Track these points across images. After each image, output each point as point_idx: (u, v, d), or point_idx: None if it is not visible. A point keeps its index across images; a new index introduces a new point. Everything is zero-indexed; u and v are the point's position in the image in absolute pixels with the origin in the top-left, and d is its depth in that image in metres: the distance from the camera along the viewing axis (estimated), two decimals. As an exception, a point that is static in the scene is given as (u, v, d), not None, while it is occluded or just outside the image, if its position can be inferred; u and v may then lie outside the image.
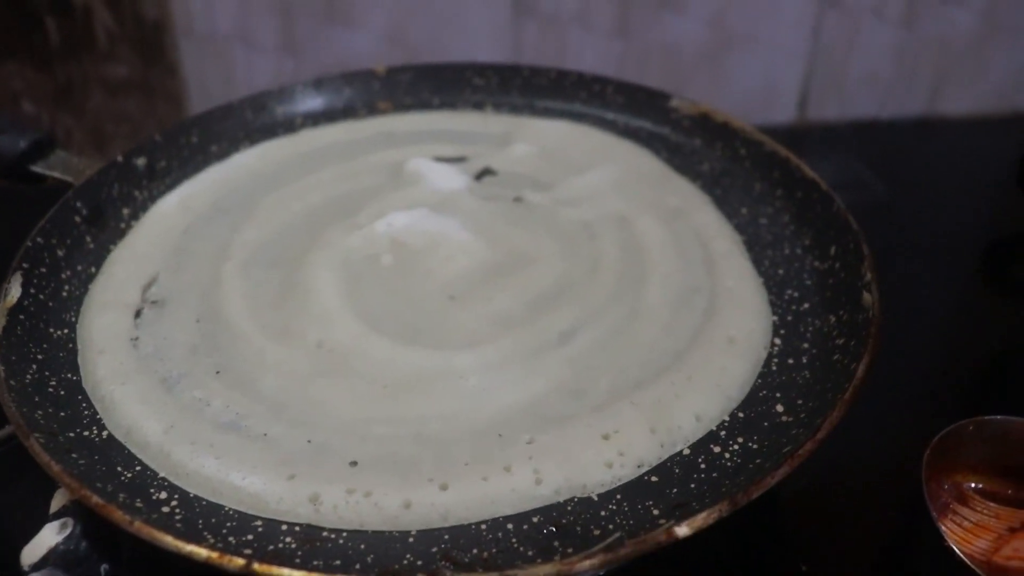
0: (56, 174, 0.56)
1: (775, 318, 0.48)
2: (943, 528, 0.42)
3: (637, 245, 0.52)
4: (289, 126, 0.65)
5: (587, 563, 0.34)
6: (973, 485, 0.48)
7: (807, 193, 0.55)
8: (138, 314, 0.49)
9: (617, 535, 0.36)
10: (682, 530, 0.35)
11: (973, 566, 0.40)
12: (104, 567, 0.43)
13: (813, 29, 0.91)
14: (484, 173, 0.59)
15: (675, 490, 0.39)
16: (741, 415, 0.43)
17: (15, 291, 0.48)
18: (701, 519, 0.35)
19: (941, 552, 0.41)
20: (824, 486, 0.50)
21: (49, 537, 0.42)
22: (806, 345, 0.47)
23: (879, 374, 0.43)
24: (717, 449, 0.41)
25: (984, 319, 0.67)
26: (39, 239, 0.51)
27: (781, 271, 0.51)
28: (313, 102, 0.66)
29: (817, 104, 0.95)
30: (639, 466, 0.40)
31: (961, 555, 0.40)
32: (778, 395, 0.44)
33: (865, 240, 0.49)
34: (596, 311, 0.47)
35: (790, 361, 0.46)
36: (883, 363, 0.43)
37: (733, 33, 0.90)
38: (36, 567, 0.41)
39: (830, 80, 0.94)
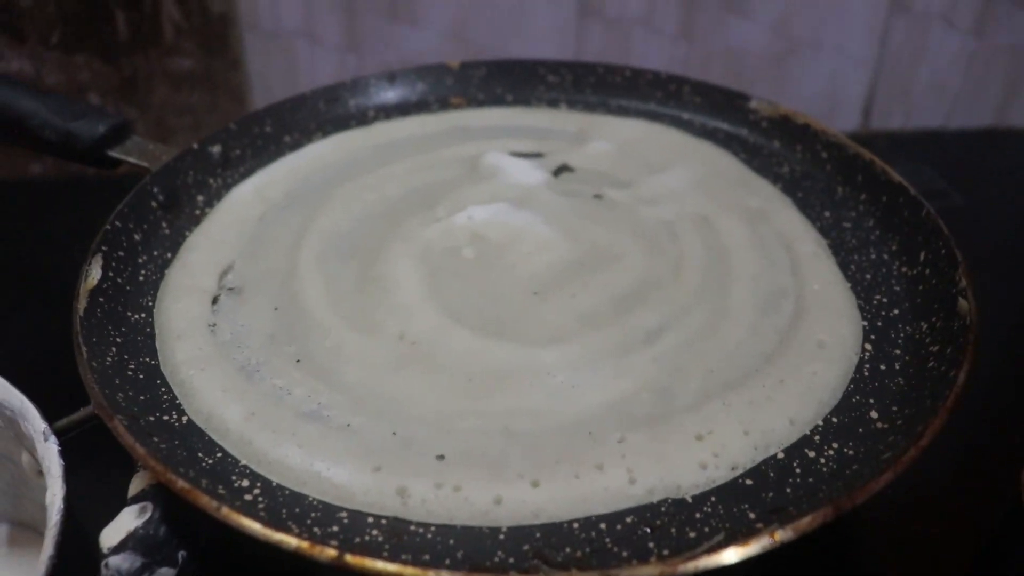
0: (133, 159, 0.56)
1: (865, 323, 0.47)
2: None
3: (720, 246, 0.51)
4: (362, 118, 0.65)
5: (690, 564, 0.33)
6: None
7: (893, 197, 0.54)
8: (215, 300, 0.49)
9: (718, 537, 0.35)
10: (786, 534, 0.34)
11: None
12: (182, 554, 0.42)
13: (880, 35, 0.89)
14: (562, 169, 0.58)
15: (771, 494, 0.38)
16: (835, 420, 0.42)
17: (95, 273, 0.48)
18: (805, 523, 0.34)
19: None
20: (910, 498, 0.49)
21: (128, 521, 0.42)
22: (898, 351, 0.45)
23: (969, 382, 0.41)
24: (812, 454, 0.40)
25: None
26: (117, 223, 0.51)
27: (868, 276, 0.50)
28: (386, 95, 0.66)
29: (882, 112, 0.93)
30: (733, 468, 0.39)
31: None
32: (872, 401, 0.43)
33: (957, 248, 0.48)
34: (681, 311, 0.46)
35: (882, 367, 0.44)
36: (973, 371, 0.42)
37: (798, 38, 0.89)
38: (115, 550, 0.41)
39: (896, 88, 0.92)
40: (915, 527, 0.48)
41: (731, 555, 0.33)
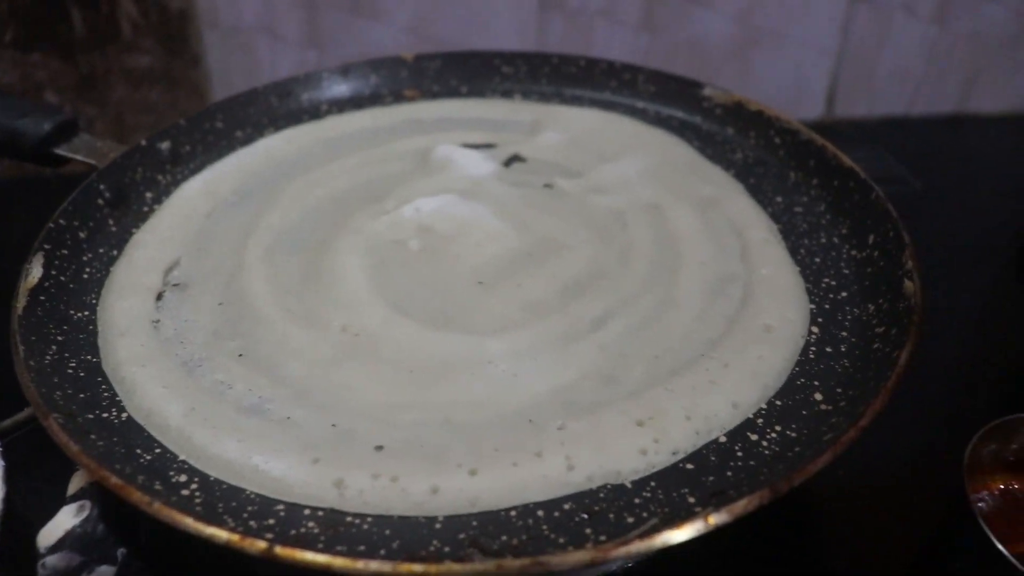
0: (80, 157, 0.56)
1: (812, 306, 0.47)
2: (986, 527, 0.40)
3: (670, 233, 0.50)
4: (315, 112, 0.64)
5: (622, 550, 0.33)
6: (1016, 485, 0.47)
7: (843, 182, 0.53)
8: (159, 297, 0.48)
9: (653, 522, 0.35)
10: (720, 517, 0.34)
11: (1021, 567, 0.38)
12: (121, 551, 0.42)
13: (843, 24, 0.89)
14: (513, 160, 0.58)
15: (711, 478, 0.38)
16: (779, 403, 0.42)
17: (36, 271, 0.47)
18: (740, 506, 0.34)
19: (986, 552, 0.39)
20: (857, 483, 0.49)
21: (66, 520, 0.41)
22: (844, 334, 0.45)
23: (915, 367, 0.41)
24: (754, 437, 0.40)
25: (1019, 315, 0.65)
26: (61, 220, 0.50)
27: (818, 259, 0.50)
28: (339, 89, 0.66)
29: (846, 101, 0.93)
30: (674, 453, 0.39)
31: (1010, 556, 0.39)
32: (816, 383, 0.43)
33: (905, 229, 0.48)
34: (628, 299, 0.46)
35: (828, 350, 0.44)
36: (919, 356, 0.42)
37: (761, 29, 0.89)
38: (52, 550, 0.40)
39: (860, 77, 0.92)
40: (866, 513, 0.48)
41: (664, 539, 0.33)
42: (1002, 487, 0.45)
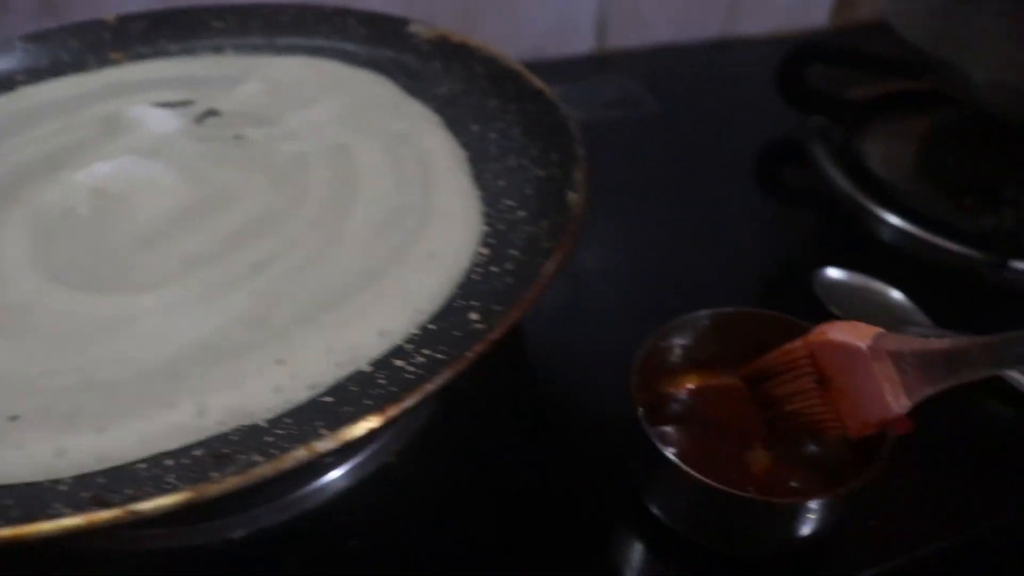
0: None
1: (487, 228, 0.47)
2: (653, 433, 0.41)
3: (351, 172, 0.50)
4: (8, 84, 0.61)
5: (213, 488, 0.32)
6: (691, 386, 0.48)
7: (535, 104, 0.53)
8: None
9: (253, 457, 0.34)
10: (326, 444, 0.33)
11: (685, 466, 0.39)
12: None
13: (604, -44, 0.90)
14: (208, 115, 0.56)
15: (350, 408, 0.37)
16: (432, 327, 0.41)
17: None
18: (346, 432, 0.33)
19: (661, 462, 0.40)
20: (542, 390, 0.50)
21: None
22: (515, 252, 0.45)
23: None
24: (400, 363, 0.39)
25: (757, 221, 0.68)
26: None
27: (502, 182, 0.50)
28: (33, 57, 0.62)
29: (616, 32, 0.93)
30: (312, 387, 0.38)
31: (673, 458, 0.39)
32: (475, 303, 0.42)
33: (582, 144, 0.48)
34: (293, 241, 0.45)
35: (494, 269, 0.44)
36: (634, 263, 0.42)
37: (522, -33, 0.88)
38: None
39: (626, 7, 0.93)
40: (552, 418, 0.49)
41: (263, 471, 0.32)
42: (673, 389, 0.47)
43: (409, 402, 0.35)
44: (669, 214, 0.68)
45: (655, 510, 0.43)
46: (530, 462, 0.46)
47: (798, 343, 0.41)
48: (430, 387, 0.35)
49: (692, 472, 0.39)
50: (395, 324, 0.41)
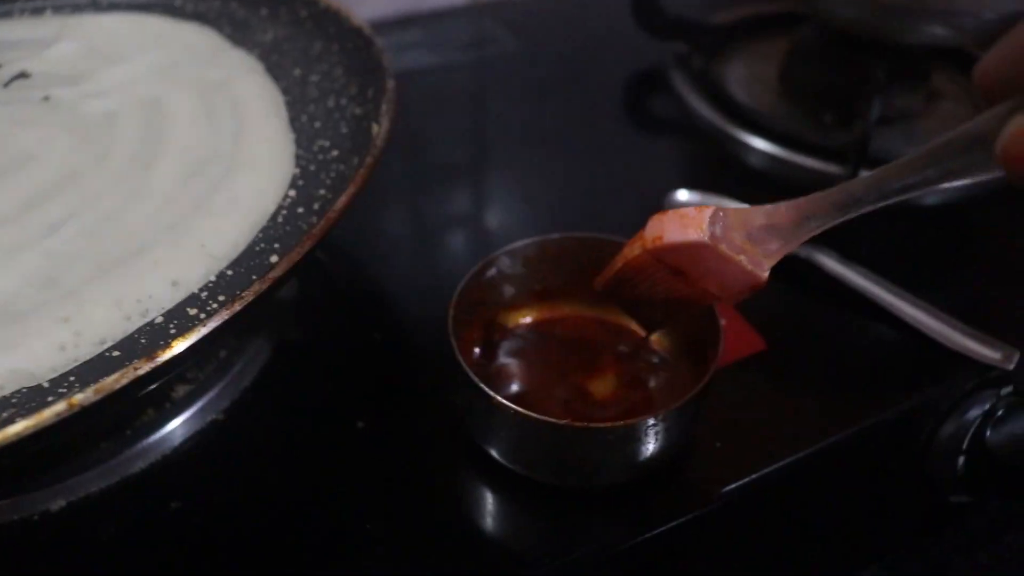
0: None
1: (297, 170, 0.45)
2: (472, 369, 0.40)
3: (160, 126, 0.48)
4: None
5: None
6: (530, 319, 0.47)
7: (355, 42, 0.52)
8: None
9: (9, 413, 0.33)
10: (87, 397, 0.31)
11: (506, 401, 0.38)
12: None
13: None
14: (17, 77, 0.54)
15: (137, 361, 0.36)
16: (230, 273, 0.40)
17: None
18: (107, 384, 0.32)
19: (481, 397, 0.39)
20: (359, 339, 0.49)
21: None
22: (323, 192, 0.44)
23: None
24: (194, 311, 0.38)
25: (621, 152, 0.67)
26: None
27: (319, 124, 0.48)
28: None
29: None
30: (101, 343, 0.37)
31: (496, 396, 0.38)
32: (276, 246, 0.41)
33: (392, 76, 0.47)
34: (93, 198, 0.43)
35: (300, 210, 0.43)
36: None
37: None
38: None
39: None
40: (373, 358, 0.48)
41: (18, 429, 0.31)
42: (512, 323, 0.46)
43: (179, 348, 0.33)
44: (529, 150, 0.67)
45: (490, 451, 0.42)
46: (364, 411, 0.45)
47: (637, 250, 0.37)
48: (203, 330, 0.34)
49: (508, 404, 0.38)
50: (190, 273, 0.39)
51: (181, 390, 0.45)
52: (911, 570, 0.56)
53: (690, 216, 0.36)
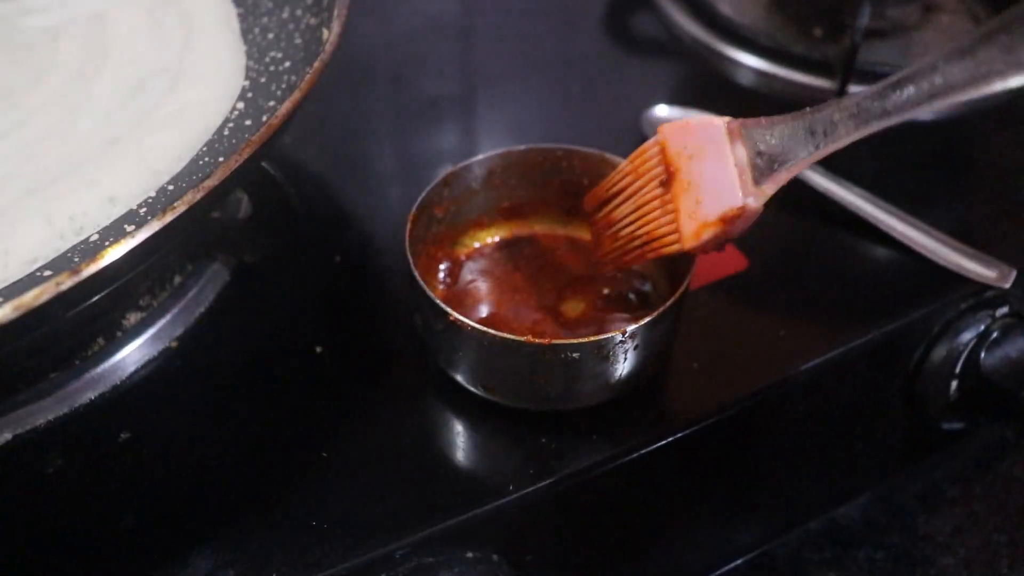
0: None
1: (247, 83, 0.42)
2: (428, 283, 0.37)
3: (104, 41, 0.45)
4: None
5: None
6: (499, 238, 0.45)
7: (312, -50, 0.48)
8: None
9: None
10: (3, 314, 0.29)
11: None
12: None
13: None
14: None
15: (67, 280, 0.34)
16: (171, 188, 0.37)
17: None
18: (29, 299, 0.29)
19: (433, 309, 0.37)
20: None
21: None
22: (273, 103, 0.41)
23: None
24: (131, 228, 0.36)
25: (606, 72, 0.64)
26: None
27: (271, 35, 0.46)
28: None
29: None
30: (32, 262, 0.35)
31: (456, 314, 0.36)
32: (222, 160, 0.38)
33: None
34: (29, 116, 0.41)
35: (248, 123, 0.40)
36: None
37: None
38: None
39: None
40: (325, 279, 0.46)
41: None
42: (481, 242, 0.44)
43: (105, 261, 0.31)
44: (508, 69, 0.64)
45: (454, 374, 0.40)
46: (322, 336, 0.43)
47: (651, 140, 0.36)
48: (131, 243, 0.31)
49: (466, 321, 0.35)
50: (130, 189, 0.37)
51: (133, 318, 0.43)
52: (903, 499, 0.54)
53: (712, 116, 0.35)
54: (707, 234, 0.35)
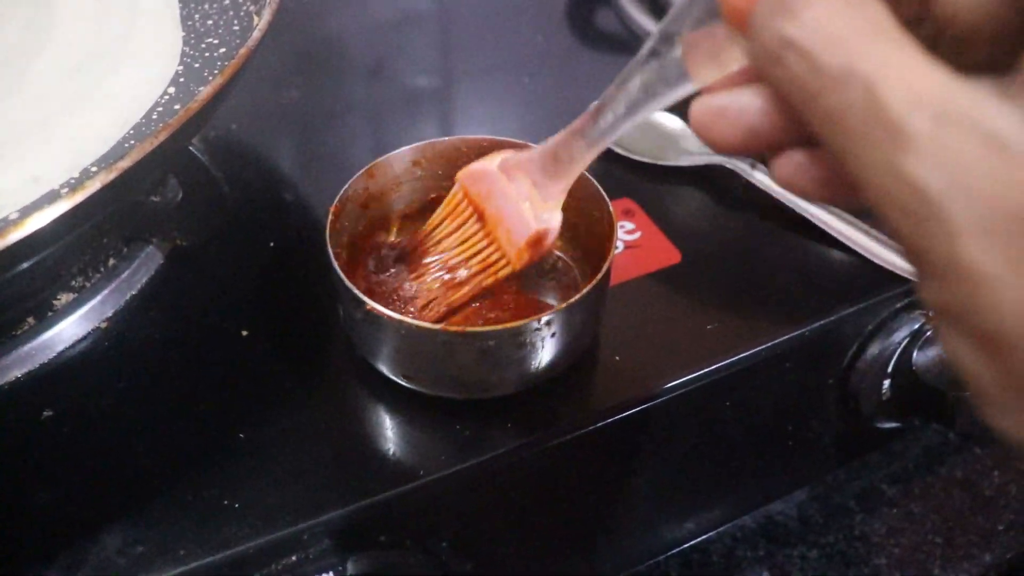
0: None
1: (180, 68, 0.43)
2: (344, 273, 0.38)
3: (44, 22, 0.45)
4: None
5: None
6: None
7: (258, -62, 0.49)
8: None
9: None
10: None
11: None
12: None
13: None
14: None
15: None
16: (94, 169, 0.38)
17: None
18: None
19: (351, 298, 0.37)
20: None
21: None
22: (201, 88, 0.41)
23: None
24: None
25: (566, 68, 0.64)
26: None
27: (210, 22, 0.46)
28: None
29: None
30: (-51, 241, 0.35)
31: (369, 301, 0.36)
32: (134, 143, 0.38)
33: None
34: (-38, 95, 0.41)
35: (176, 107, 0.41)
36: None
37: None
38: None
39: None
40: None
41: None
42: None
43: (10, 239, 0.31)
44: (467, 64, 0.64)
45: (376, 363, 0.40)
46: (250, 320, 0.43)
47: (456, 187, 0.39)
48: (39, 222, 0.32)
49: (381, 309, 0.36)
50: (54, 169, 0.37)
51: (64, 298, 0.43)
52: (841, 499, 0.54)
53: (496, 154, 0.37)
54: (526, 256, 0.37)
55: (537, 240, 0.36)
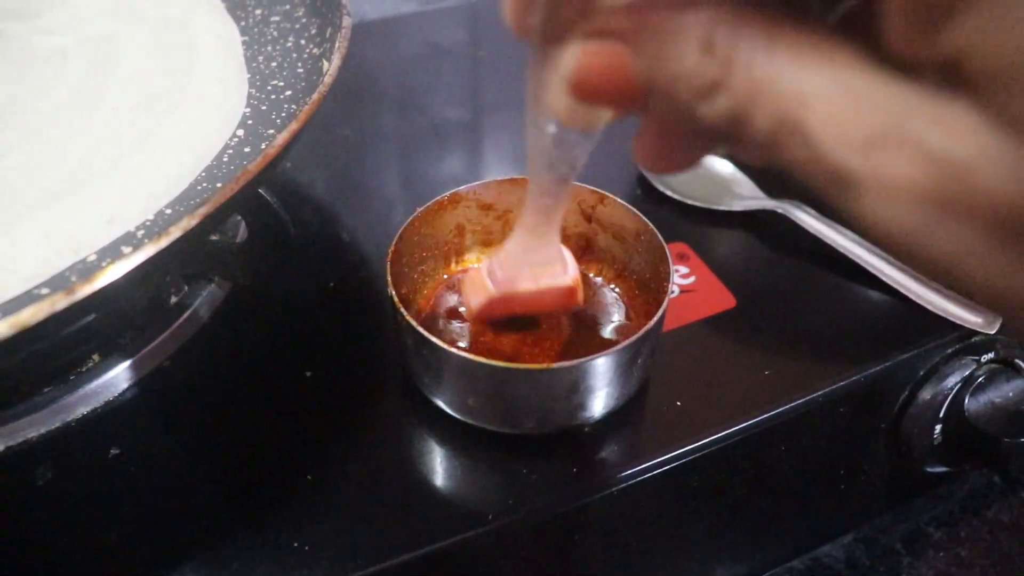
0: None
1: (248, 110, 0.43)
2: (405, 308, 0.38)
3: (111, 62, 0.46)
4: None
5: None
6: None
7: (319, -18, 0.50)
8: None
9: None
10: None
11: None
12: None
13: None
14: (-32, 14, 0.52)
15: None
16: (168, 212, 0.38)
17: None
18: (25, 316, 0.30)
19: (410, 333, 0.37)
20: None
21: None
22: (272, 131, 0.42)
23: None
24: (128, 250, 0.36)
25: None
26: None
27: (275, 64, 0.47)
28: None
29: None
30: (28, 280, 0.35)
31: (430, 336, 0.37)
32: (219, 186, 0.39)
33: (348, 14, 0.45)
34: (32, 133, 0.42)
35: (246, 150, 0.41)
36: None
37: None
38: None
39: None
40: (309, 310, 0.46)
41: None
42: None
43: (99, 283, 0.32)
44: (516, 95, 0.65)
45: (436, 400, 0.40)
46: (313, 361, 0.44)
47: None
48: (126, 266, 0.32)
49: (437, 341, 0.36)
50: (128, 211, 0.38)
51: (128, 335, 0.44)
52: (888, 541, 0.54)
53: (476, 280, 0.38)
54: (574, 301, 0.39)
55: (573, 294, 0.38)
